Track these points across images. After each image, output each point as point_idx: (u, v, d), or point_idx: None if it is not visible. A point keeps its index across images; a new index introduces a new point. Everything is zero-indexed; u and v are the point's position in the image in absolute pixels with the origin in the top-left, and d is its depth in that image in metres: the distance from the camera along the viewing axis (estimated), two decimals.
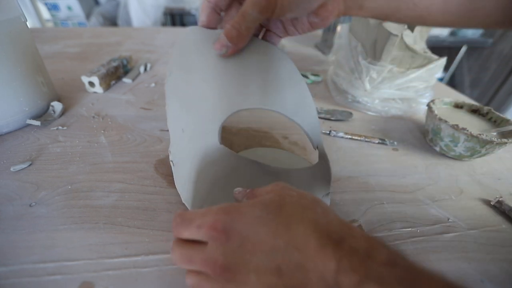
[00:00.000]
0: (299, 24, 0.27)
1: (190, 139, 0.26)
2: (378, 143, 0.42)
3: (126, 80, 0.57)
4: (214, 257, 0.17)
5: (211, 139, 0.25)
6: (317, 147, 0.29)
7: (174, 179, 0.29)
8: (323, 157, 0.29)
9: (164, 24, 1.74)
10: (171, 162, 0.29)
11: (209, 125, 0.25)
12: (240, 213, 0.17)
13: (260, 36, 0.30)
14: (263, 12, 0.22)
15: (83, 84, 0.51)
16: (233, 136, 0.41)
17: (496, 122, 0.41)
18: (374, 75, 0.48)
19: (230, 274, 0.16)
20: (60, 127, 0.41)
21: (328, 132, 0.43)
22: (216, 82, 0.26)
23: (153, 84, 0.57)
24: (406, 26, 0.46)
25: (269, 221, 0.17)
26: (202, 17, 0.27)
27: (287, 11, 0.23)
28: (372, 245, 0.15)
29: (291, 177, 0.27)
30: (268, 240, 0.16)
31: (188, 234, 0.18)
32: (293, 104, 0.28)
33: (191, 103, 0.27)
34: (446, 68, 1.45)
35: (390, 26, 0.45)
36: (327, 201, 0.29)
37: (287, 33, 0.29)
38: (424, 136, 0.45)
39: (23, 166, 0.33)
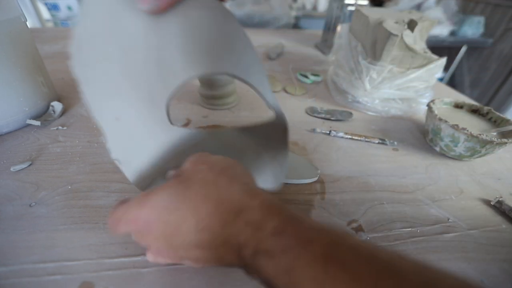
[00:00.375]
0: None
1: (131, 127, 0.23)
2: (378, 143, 0.42)
3: None
4: (148, 245, 0.20)
5: (161, 123, 0.21)
6: (272, 107, 0.26)
7: (127, 177, 0.25)
8: (280, 115, 0.26)
9: None
10: (115, 162, 0.24)
11: (153, 107, 0.21)
12: (149, 203, 0.18)
13: None
14: None
15: None
16: None
17: (496, 122, 0.41)
18: (374, 75, 0.48)
19: (166, 255, 0.19)
20: (60, 127, 0.41)
21: (328, 132, 0.43)
22: (149, 51, 0.21)
23: None
24: (406, 26, 0.46)
25: (175, 209, 0.17)
26: None
27: None
28: (264, 215, 0.15)
29: (250, 135, 0.27)
30: (177, 227, 0.17)
31: (123, 231, 0.19)
32: (244, 65, 0.24)
33: (121, 83, 0.21)
34: (446, 68, 1.45)
35: (390, 26, 0.45)
36: (284, 157, 0.28)
37: None
38: (424, 136, 0.45)
39: (23, 166, 0.33)
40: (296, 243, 0.14)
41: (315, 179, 0.34)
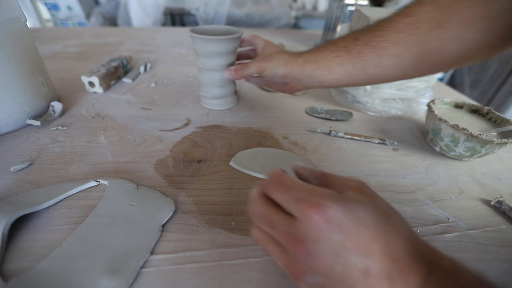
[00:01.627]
0: (275, 85, 0.43)
1: None
2: (378, 143, 0.42)
3: (126, 80, 0.57)
4: (302, 236, 0.17)
5: None
6: None
7: None
8: None
9: (164, 24, 1.74)
10: None
11: None
12: (347, 207, 0.17)
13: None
14: (258, 71, 0.39)
15: (83, 84, 0.51)
16: (233, 136, 0.41)
17: (496, 122, 0.41)
18: None
19: (310, 259, 0.17)
20: (60, 127, 0.41)
21: (328, 132, 0.43)
22: None
23: (153, 84, 0.57)
24: None
25: (371, 224, 0.16)
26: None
27: (267, 77, 0.39)
28: (456, 265, 0.16)
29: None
30: (368, 242, 0.16)
31: (280, 198, 0.18)
32: None
33: None
34: None
35: None
36: None
37: (269, 86, 0.45)
38: (424, 136, 0.45)
39: (23, 166, 0.33)
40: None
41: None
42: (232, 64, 0.44)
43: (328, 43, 0.36)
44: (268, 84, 0.44)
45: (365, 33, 0.33)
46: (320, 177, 0.21)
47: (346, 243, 0.16)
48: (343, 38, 0.35)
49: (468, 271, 0.16)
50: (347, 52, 0.34)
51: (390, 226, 0.17)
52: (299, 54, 0.38)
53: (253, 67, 0.39)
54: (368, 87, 0.49)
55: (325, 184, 0.20)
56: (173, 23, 1.82)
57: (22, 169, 0.33)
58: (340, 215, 0.16)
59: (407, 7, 0.31)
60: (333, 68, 0.35)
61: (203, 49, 0.41)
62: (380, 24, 0.32)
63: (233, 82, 0.48)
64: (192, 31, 0.41)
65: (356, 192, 0.19)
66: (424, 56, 0.30)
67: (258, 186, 0.20)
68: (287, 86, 0.40)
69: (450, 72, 1.54)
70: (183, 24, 1.86)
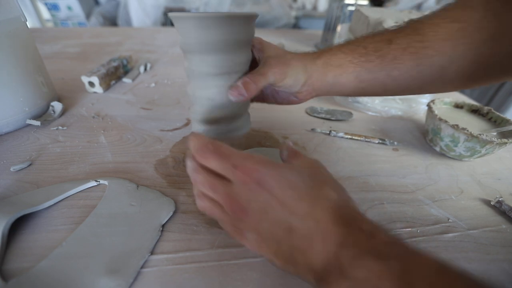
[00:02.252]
0: (279, 98, 0.34)
1: None
2: (378, 143, 0.42)
3: (126, 80, 0.57)
4: (238, 197, 0.19)
5: None
6: None
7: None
8: None
9: (164, 24, 1.74)
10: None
11: None
12: (277, 172, 0.19)
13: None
14: (276, 81, 0.28)
15: (83, 84, 0.51)
16: None
17: (496, 122, 0.41)
18: None
19: (245, 216, 0.19)
20: (60, 127, 0.41)
21: (328, 132, 0.43)
22: None
23: (153, 84, 0.57)
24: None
25: (299, 188, 0.18)
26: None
27: (286, 86, 0.29)
28: (376, 227, 0.17)
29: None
30: (292, 203, 0.18)
31: (216, 166, 0.20)
32: None
33: None
34: None
35: (390, 26, 0.45)
36: None
37: (264, 100, 0.36)
38: (424, 136, 0.45)
39: (23, 166, 0.33)
40: (410, 253, 0.16)
41: None
42: (242, 73, 0.28)
43: (351, 44, 0.30)
44: (273, 98, 0.35)
45: (400, 35, 0.28)
46: (291, 152, 0.24)
47: (273, 202, 0.18)
48: (370, 38, 0.29)
49: (385, 233, 0.17)
50: (380, 58, 0.28)
51: (319, 192, 0.19)
52: (315, 54, 0.31)
53: (270, 76, 0.27)
54: None
55: (291, 156, 0.23)
56: (173, 23, 1.82)
57: (22, 169, 0.33)
58: (269, 177, 0.18)
59: (450, 10, 0.26)
60: (360, 75, 0.29)
61: (195, 38, 0.25)
62: (418, 26, 0.27)
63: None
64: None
65: (302, 164, 0.21)
66: (473, 70, 0.26)
67: (195, 156, 0.21)
68: (298, 96, 0.32)
69: None
70: None
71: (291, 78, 0.28)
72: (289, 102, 0.34)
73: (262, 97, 0.35)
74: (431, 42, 0.26)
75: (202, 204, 0.21)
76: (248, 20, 0.26)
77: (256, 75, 0.27)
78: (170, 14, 0.25)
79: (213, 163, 0.20)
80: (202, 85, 0.28)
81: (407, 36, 0.27)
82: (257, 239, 0.19)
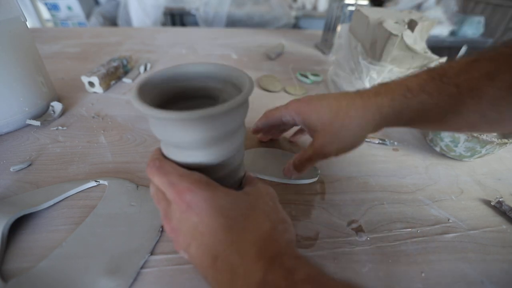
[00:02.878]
0: None
1: None
2: (378, 143, 0.42)
3: (126, 80, 0.57)
4: (172, 216, 0.19)
5: None
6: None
7: None
8: None
9: (164, 24, 1.74)
10: None
11: None
12: (211, 194, 0.18)
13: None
14: (325, 158, 0.28)
15: (83, 84, 0.51)
16: None
17: None
18: (374, 75, 0.48)
19: (176, 236, 0.19)
20: (60, 127, 0.41)
21: None
22: None
23: None
24: (406, 26, 0.46)
25: (229, 216, 0.18)
26: (258, 124, 0.35)
27: (340, 153, 0.27)
28: (298, 263, 0.16)
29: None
30: (219, 231, 0.17)
31: (158, 182, 0.19)
32: None
33: None
34: None
35: (390, 26, 0.45)
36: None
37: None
38: (424, 136, 0.45)
39: (23, 166, 0.33)
40: None
41: (314, 179, 0.34)
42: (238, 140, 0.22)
43: (437, 79, 0.23)
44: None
45: (504, 68, 0.21)
46: (248, 178, 0.25)
47: (201, 226, 0.18)
48: (465, 72, 0.22)
49: (307, 268, 0.16)
50: (476, 98, 0.22)
51: (250, 222, 0.18)
52: (383, 99, 0.25)
53: (315, 157, 0.27)
54: (368, 87, 0.49)
55: (247, 181, 0.24)
56: (173, 23, 1.82)
57: (22, 169, 0.33)
58: (201, 200, 0.18)
59: None
60: (447, 117, 0.24)
61: (168, 137, 0.19)
62: None
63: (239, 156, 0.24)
64: (141, 89, 0.19)
65: (249, 190, 0.21)
66: None
67: (148, 171, 0.20)
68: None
69: None
70: (183, 24, 1.86)
71: (340, 150, 0.27)
72: None
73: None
74: None
75: (152, 192, 0.22)
76: (242, 104, 0.19)
77: (305, 158, 0.28)
78: (133, 101, 0.18)
79: (156, 179, 0.20)
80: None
81: None
82: (190, 259, 0.19)
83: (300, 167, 0.29)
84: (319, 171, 0.35)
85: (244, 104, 0.20)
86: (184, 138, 0.18)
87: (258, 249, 0.17)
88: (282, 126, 0.34)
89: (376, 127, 0.26)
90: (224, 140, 0.20)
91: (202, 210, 0.18)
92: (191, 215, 0.18)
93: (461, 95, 0.22)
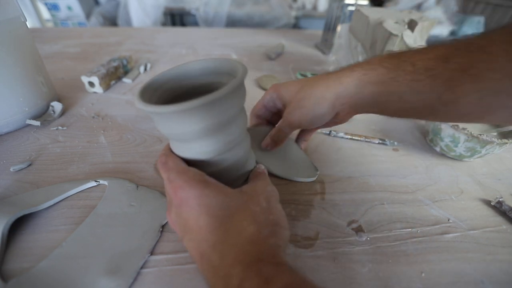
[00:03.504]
0: (323, 125, 0.32)
1: None
2: (378, 143, 0.42)
3: (126, 80, 0.57)
4: (170, 209, 0.21)
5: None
6: None
7: None
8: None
9: (164, 24, 1.74)
10: None
11: None
12: (202, 193, 0.19)
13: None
14: (292, 129, 0.31)
15: (83, 84, 0.51)
16: None
17: None
18: None
19: (176, 229, 0.21)
20: (60, 127, 0.41)
21: (328, 132, 0.43)
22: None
23: None
24: (406, 26, 0.46)
25: (216, 216, 0.18)
26: (252, 121, 0.36)
27: (308, 126, 0.30)
28: (276, 271, 0.16)
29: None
30: (206, 231, 0.18)
31: (164, 177, 0.21)
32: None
33: None
34: None
35: (390, 26, 0.45)
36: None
37: (315, 129, 0.36)
38: (424, 136, 0.45)
39: (23, 166, 0.33)
40: None
41: (312, 179, 0.34)
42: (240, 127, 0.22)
43: (395, 58, 0.25)
44: (313, 133, 0.36)
45: (459, 52, 0.22)
46: (256, 171, 0.26)
47: (190, 223, 0.19)
48: (421, 54, 0.24)
49: (285, 276, 0.16)
50: (431, 78, 0.23)
51: (234, 224, 0.18)
52: (346, 69, 0.27)
53: (285, 127, 0.30)
54: None
55: (253, 176, 0.25)
56: (173, 23, 1.82)
57: (22, 169, 0.33)
58: (192, 198, 0.19)
59: None
60: (405, 96, 0.24)
61: (170, 131, 0.20)
62: (483, 43, 0.22)
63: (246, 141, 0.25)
64: (144, 90, 0.20)
65: (246, 188, 0.21)
66: None
67: (157, 165, 0.24)
68: (337, 118, 0.30)
69: None
70: (183, 24, 1.86)
71: (305, 120, 0.29)
72: (335, 123, 0.32)
73: (307, 137, 0.37)
74: (501, 64, 0.20)
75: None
76: (238, 89, 0.19)
77: (274, 133, 0.32)
78: (137, 103, 0.19)
79: (163, 174, 0.21)
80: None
81: (467, 54, 0.22)
82: (189, 252, 0.20)
83: (274, 138, 0.32)
84: (318, 172, 0.35)
85: (238, 91, 0.20)
86: (183, 129, 0.19)
87: (237, 253, 0.17)
88: (269, 115, 0.35)
89: (339, 100, 0.27)
90: (223, 129, 0.20)
91: (191, 208, 0.19)
92: (183, 211, 0.19)
93: (417, 73, 0.23)
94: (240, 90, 0.20)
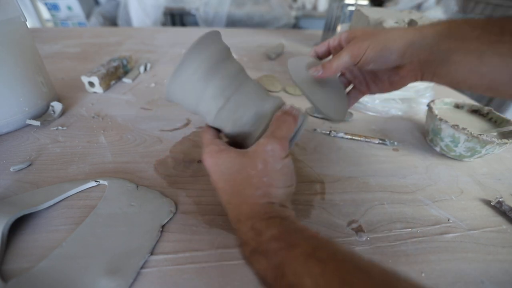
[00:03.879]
0: (379, 82, 0.32)
1: None
2: (378, 143, 0.42)
3: (126, 80, 0.57)
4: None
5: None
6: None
7: None
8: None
9: (164, 24, 1.73)
10: None
11: None
12: (217, 162, 0.23)
13: (347, 91, 0.34)
14: (352, 58, 0.27)
15: (83, 84, 0.51)
16: None
17: (496, 122, 0.41)
18: None
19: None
20: (60, 127, 0.41)
21: (328, 132, 0.43)
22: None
23: (153, 84, 0.57)
24: (406, 26, 0.46)
25: (224, 181, 0.23)
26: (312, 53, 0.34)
27: (370, 62, 0.27)
28: (265, 225, 0.19)
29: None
30: (220, 193, 0.23)
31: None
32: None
33: None
34: None
35: (390, 26, 0.45)
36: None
37: (368, 89, 0.33)
38: (424, 136, 0.45)
39: (23, 166, 0.33)
40: (286, 247, 0.17)
41: (342, 120, 0.32)
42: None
43: (485, 20, 0.23)
44: (375, 84, 0.32)
45: None
46: (280, 113, 0.25)
47: (214, 185, 0.23)
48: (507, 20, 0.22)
49: (275, 228, 0.19)
50: None
51: (236, 187, 0.22)
52: (427, 25, 0.25)
53: (345, 54, 0.27)
54: None
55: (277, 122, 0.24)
56: (173, 23, 1.82)
57: (22, 169, 0.33)
58: (210, 166, 0.23)
59: None
60: (485, 56, 0.22)
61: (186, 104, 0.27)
62: None
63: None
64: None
65: (251, 148, 0.23)
66: None
67: None
68: (400, 74, 0.29)
69: None
70: (183, 24, 1.86)
71: (374, 50, 0.26)
72: (392, 85, 0.31)
73: (364, 87, 0.33)
74: None
75: None
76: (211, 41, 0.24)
77: (333, 58, 0.28)
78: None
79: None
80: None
81: None
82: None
83: (327, 64, 0.29)
84: (353, 115, 0.33)
85: (213, 43, 0.24)
86: (191, 93, 0.25)
87: (237, 211, 0.21)
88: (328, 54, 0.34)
89: (414, 46, 0.25)
90: (214, 74, 0.24)
91: (212, 173, 0.23)
92: (211, 175, 0.23)
93: (503, 35, 0.21)
94: (214, 42, 0.24)
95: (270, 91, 0.56)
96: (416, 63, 0.26)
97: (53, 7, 1.73)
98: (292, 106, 0.25)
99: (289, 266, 0.16)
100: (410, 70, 0.27)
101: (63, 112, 0.45)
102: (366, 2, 0.74)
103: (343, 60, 0.28)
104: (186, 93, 0.25)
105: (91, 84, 0.51)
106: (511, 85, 0.23)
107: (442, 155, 0.41)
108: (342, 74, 0.35)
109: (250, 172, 0.22)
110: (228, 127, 0.25)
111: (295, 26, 1.78)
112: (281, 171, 0.22)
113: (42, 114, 0.43)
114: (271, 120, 0.24)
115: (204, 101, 0.25)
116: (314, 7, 1.83)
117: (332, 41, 0.32)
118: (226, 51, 0.25)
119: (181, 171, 0.34)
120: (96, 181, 0.31)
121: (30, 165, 0.33)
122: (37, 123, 0.40)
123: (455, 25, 0.24)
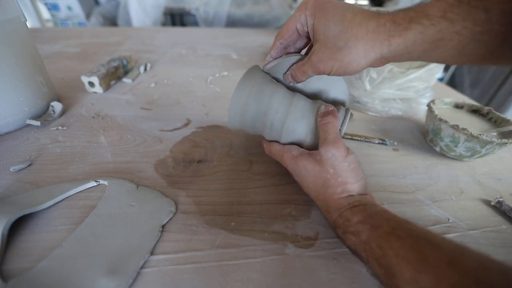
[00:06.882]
0: None
1: None
2: (378, 143, 0.42)
3: (126, 80, 0.57)
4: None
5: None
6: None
7: None
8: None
9: (164, 24, 1.73)
10: None
11: None
12: (297, 168, 0.28)
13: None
14: (318, 74, 0.27)
15: (83, 84, 0.51)
16: (233, 136, 0.41)
17: (496, 122, 0.41)
18: (374, 75, 0.48)
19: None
20: (60, 127, 0.41)
21: None
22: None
23: (153, 84, 0.57)
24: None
25: (308, 182, 0.27)
26: (272, 54, 0.31)
27: (336, 75, 0.26)
28: (353, 212, 0.24)
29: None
30: (306, 189, 0.28)
31: (277, 157, 0.31)
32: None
33: None
34: (446, 68, 1.45)
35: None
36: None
37: None
38: (424, 136, 0.45)
39: (23, 166, 0.33)
40: (371, 228, 0.21)
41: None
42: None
43: (466, 2, 0.20)
44: None
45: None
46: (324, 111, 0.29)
47: (300, 183, 0.29)
48: None
49: (360, 214, 0.23)
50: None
51: (318, 189, 0.26)
52: (406, 22, 0.22)
53: (310, 71, 0.27)
54: (368, 87, 0.49)
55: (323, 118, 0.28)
56: (173, 23, 1.82)
57: (22, 169, 0.33)
58: (291, 169, 0.29)
59: None
60: (467, 48, 0.21)
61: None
62: None
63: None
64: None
65: (318, 156, 0.26)
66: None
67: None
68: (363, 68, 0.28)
69: (450, 72, 1.54)
70: (183, 24, 1.86)
71: (338, 72, 0.25)
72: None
73: None
74: None
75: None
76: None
77: (298, 72, 0.29)
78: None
79: (276, 157, 0.31)
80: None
81: None
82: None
83: (294, 77, 0.30)
84: (353, 115, 0.34)
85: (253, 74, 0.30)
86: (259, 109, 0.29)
87: (327, 206, 0.26)
88: (294, 44, 0.30)
89: (381, 59, 0.24)
90: (261, 95, 0.29)
91: (294, 176, 0.29)
92: (295, 177, 0.29)
93: (490, 22, 0.19)
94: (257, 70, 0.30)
95: None
96: (384, 63, 0.25)
97: (53, 7, 1.73)
98: (327, 105, 0.28)
99: (374, 242, 0.20)
100: (376, 65, 0.26)
101: (63, 112, 0.45)
102: (366, 2, 0.74)
103: (308, 74, 0.28)
104: (244, 114, 0.29)
105: (91, 84, 0.51)
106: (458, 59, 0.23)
107: (442, 155, 0.41)
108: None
109: (325, 176, 0.26)
110: (282, 138, 0.30)
111: None
112: (349, 168, 0.26)
113: (42, 114, 0.43)
114: (316, 118, 0.28)
115: (259, 119, 0.30)
116: None
117: (298, 21, 0.27)
118: (268, 77, 0.31)
119: (181, 171, 0.34)
120: (96, 181, 0.31)
121: (30, 165, 0.33)
122: (37, 123, 0.40)
123: (430, 25, 0.21)
